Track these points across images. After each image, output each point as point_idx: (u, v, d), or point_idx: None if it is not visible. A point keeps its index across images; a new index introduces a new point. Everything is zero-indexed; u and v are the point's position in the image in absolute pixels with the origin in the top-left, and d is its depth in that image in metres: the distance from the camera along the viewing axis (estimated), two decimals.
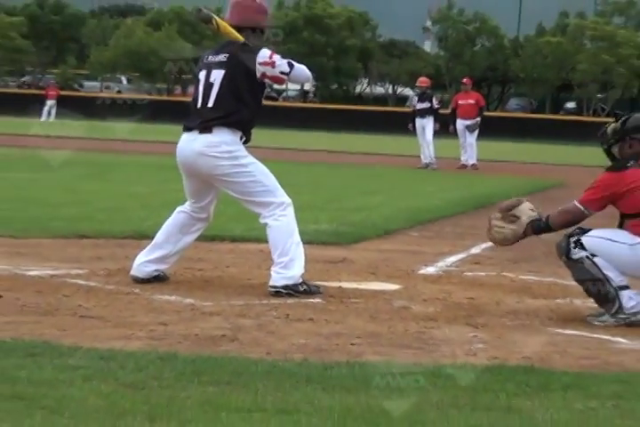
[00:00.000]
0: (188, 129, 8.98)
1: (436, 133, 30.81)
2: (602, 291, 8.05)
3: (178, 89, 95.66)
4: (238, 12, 9.16)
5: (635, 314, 7.95)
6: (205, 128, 8.83)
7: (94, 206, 15.33)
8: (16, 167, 23.37)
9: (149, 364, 6.11)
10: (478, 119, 31.47)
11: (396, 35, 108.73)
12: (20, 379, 5.65)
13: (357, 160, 31.22)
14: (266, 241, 8.98)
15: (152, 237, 9.28)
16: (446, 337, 7.50)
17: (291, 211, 8.90)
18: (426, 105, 31.01)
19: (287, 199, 8.93)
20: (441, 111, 31.73)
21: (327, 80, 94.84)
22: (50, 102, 60.44)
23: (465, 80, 34.39)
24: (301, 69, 9.01)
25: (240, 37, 9.05)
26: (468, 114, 31.49)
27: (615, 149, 8.57)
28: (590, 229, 8.28)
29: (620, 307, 7.98)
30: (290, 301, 8.53)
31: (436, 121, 30.86)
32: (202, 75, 9.06)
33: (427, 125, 30.73)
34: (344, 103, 78.52)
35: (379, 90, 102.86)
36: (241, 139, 8.91)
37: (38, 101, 61.44)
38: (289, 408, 5.34)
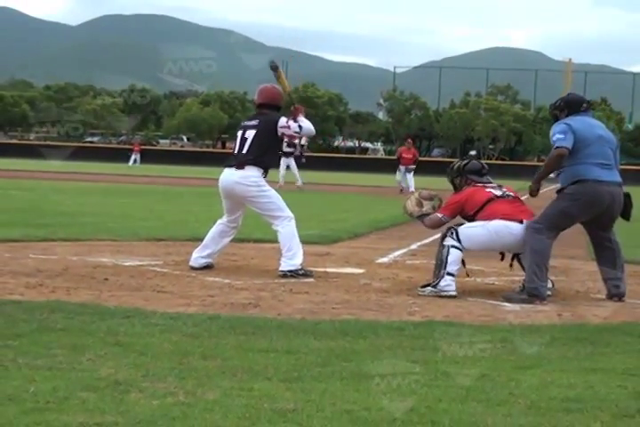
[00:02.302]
0: (229, 166, 9.04)
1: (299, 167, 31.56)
2: (436, 271, 7.98)
3: (219, 144, 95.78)
4: (264, 95, 9.24)
5: (441, 291, 7.82)
6: (241, 166, 8.89)
7: (166, 220, 15.29)
8: (116, 195, 23.34)
9: (202, 322, 6.11)
10: (414, 166, 31.66)
11: (360, 108, 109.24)
12: (120, 332, 5.65)
13: (335, 189, 31.17)
14: (277, 242, 8.97)
15: (202, 240, 9.28)
16: (395, 303, 7.48)
17: (293, 222, 8.93)
18: (291, 149, 31.46)
19: (291, 214, 8.97)
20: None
21: (315, 137, 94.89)
22: (135, 154, 60.26)
23: (409, 140, 34.75)
24: (307, 128, 9.08)
25: (287, 88, 9.41)
26: (408, 163, 31.70)
27: (456, 181, 8.61)
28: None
29: (437, 284, 7.87)
30: (292, 280, 8.50)
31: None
32: (239, 133, 9.14)
33: (290, 163, 31.15)
34: (326, 152, 78.53)
35: (349, 144, 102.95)
36: (263, 174, 8.95)
37: (128, 153, 61.40)
38: (292, 350, 5.34)
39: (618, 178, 8.05)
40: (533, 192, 8.14)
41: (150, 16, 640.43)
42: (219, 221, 9.29)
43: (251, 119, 9.32)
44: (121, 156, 61.69)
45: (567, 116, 8.08)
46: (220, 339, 5.57)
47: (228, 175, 9.00)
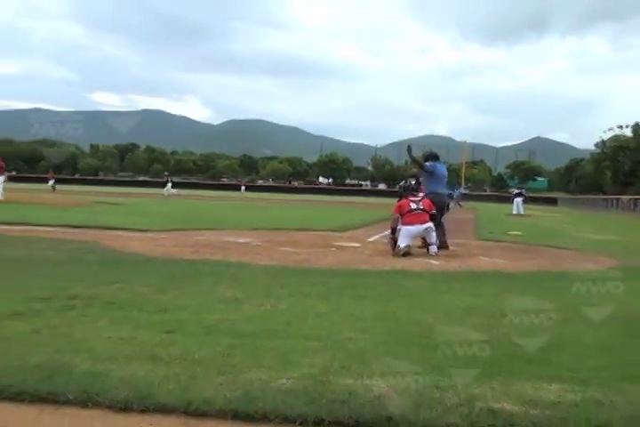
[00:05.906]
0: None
1: None
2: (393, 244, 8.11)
3: (287, 182, 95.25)
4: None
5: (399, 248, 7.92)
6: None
7: (261, 220, 15.09)
8: (234, 209, 23.12)
9: (279, 269, 6.07)
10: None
11: (358, 165, 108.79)
12: (238, 274, 5.57)
13: (345, 205, 30.90)
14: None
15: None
16: (376, 261, 7.36)
17: None
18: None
19: None
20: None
21: (336, 178, 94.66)
22: (243, 188, 59.69)
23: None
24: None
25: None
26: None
27: (403, 193, 8.79)
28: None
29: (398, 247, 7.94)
30: (323, 249, 8.43)
31: None
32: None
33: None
34: (342, 186, 78.03)
35: (353, 182, 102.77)
36: None
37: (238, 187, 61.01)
38: (324, 283, 5.28)
39: (446, 191, 9.61)
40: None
41: (252, 121, 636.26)
42: None
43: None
44: (235, 187, 61.66)
45: (433, 162, 9.30)
46: (288, 278, 5.53)
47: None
